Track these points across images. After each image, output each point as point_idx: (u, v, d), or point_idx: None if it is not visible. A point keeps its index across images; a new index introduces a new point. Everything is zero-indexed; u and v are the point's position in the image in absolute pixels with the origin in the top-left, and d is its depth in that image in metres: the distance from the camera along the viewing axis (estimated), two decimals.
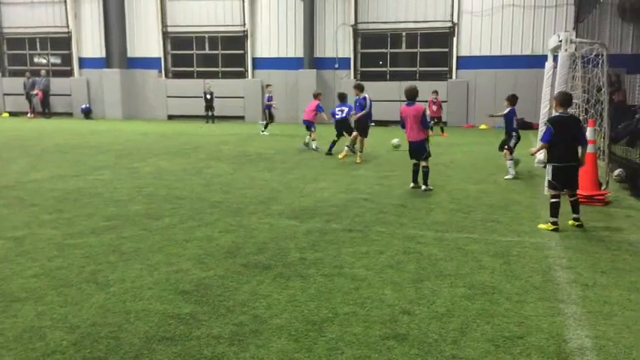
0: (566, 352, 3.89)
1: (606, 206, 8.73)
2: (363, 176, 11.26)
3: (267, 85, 21.67)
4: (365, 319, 4.39)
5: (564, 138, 7.15)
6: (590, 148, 9.09)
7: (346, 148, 14.00)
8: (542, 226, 7.31)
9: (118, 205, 8.44)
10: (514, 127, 11.18)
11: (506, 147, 11.26)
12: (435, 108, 20.68)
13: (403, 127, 10.06)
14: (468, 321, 4.38)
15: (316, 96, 16.64)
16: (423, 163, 9.86)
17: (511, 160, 11.13)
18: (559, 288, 5.15)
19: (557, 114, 7.36)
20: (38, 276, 5.29)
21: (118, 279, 5.23)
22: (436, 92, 21.39)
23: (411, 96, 9.91)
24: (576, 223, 7.35)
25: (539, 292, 5.03)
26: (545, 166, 10.30)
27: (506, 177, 11.17)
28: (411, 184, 10.08)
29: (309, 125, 15.96)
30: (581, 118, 10.61)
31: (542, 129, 7.19)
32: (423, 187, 9.83)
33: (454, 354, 3.83)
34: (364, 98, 13.83)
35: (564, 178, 7.27)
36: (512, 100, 11.34)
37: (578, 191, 9.01)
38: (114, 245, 6.31)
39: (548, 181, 7.46)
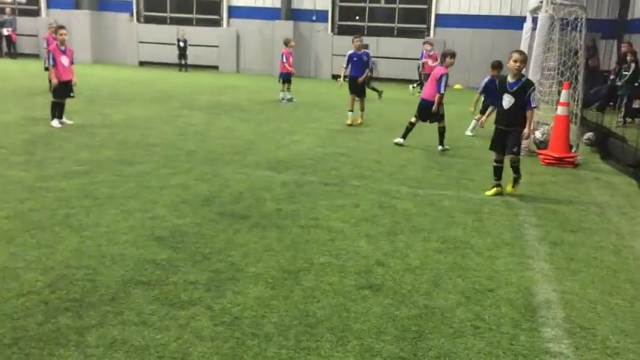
0: (533, 305, 4.03)
1: (576, 168, 8.93)
2: (339, 131, 11.24)
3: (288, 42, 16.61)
4: (340, 269, 4.47)
5: None
6: (563, 111, 9.25)
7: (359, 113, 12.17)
8: (510, 189, 6.97)
9: (89, 150, 8.30)
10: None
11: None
12: (430, 62, 17.56)
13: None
14: (440, 274, 4.49)
15: (287, 43, 16.04)
16: (440, 124, 9.72)
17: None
18: (528, 245, 5.29)
19: (527, 78, 6.93)
20: (9, 218, 5.21)
21: (92, 223, 5.19)
22: (430, 44, 18.85)
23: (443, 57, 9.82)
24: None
25: (509, 248, 5.17)
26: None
27: (467, 133, 11.47)
28: (399, 140, 9.90)
29: (287, 78, 15.68)
30: (556, 80, 10.74)
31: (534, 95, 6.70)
32: (440, 147, 9.73)
33: (427, 304, 3.93)
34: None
35: None
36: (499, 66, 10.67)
37: (549, 152, 9.20)
38: (87, 190, 6.23)
39: (520, 146, 7.14)
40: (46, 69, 11.73)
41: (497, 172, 6.99)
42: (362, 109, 12.18)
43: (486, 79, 10.98)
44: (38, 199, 5.79)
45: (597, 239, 5.54)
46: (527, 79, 6.83)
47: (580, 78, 10.00)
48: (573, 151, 9.37)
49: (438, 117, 9.72)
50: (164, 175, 7.09)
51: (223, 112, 13.23)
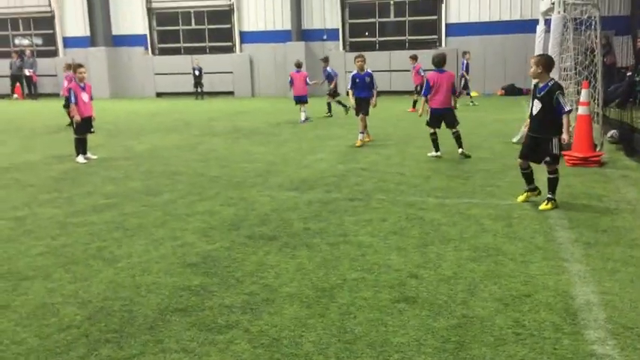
0: (574, 307, 3.96)
1: (602, 167, 8.81)
2: (359, 147, 11.25)
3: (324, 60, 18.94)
4: (374, 284, 4.45)
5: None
6: (584, 111, 9.16)
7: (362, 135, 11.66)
8: (545, 206, 6.51)
9: (115, 182, 8.41)
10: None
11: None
12: (414, 74, 19.08)
13: (426, 94, 10.01)
14: (475, 282, 4.44)
15: (300, 65, 16.61)
16: (453, 130, 9.83)
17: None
18: (562, 247, 5.22)
19: (554, 81, 6.55)
20: (44, 254, 5.29)
21: (124, 254, 5.24)
22: (412, 57, 19.52)
23: (442, 62, 9.93)
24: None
25: (542, 252, 5.10)
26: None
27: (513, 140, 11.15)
28: (435, 153, 9.91)
29: (302, 99, 15.89)
30: (574, 81, 10.66)
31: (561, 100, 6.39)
32: (460, 150, 9.78)
33: (465, 314, 3.89)
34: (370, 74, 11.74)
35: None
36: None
37: (574, 153, 9.10)
38: (116, 222, 6.31)
39: (557, 156, 6.61)
40: (65, 107, 12.02)
41: (526, 178, 6.79)
42: (366, 127, 11.64)
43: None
44: (70, 235, 5.87)
45: (632, 237, 5.44)
46: (555, 83, 6.44)
47: (598, 76, 9.91)
48: (598, 149, 9.26)
49: (455, 120, 9.84)
50: (190, 202, 7.16)
51: (242, 136, 13.34)
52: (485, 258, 4.97)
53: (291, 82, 16.19)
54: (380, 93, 24.17)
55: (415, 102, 18.43)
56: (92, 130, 10.39)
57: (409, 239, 5.52)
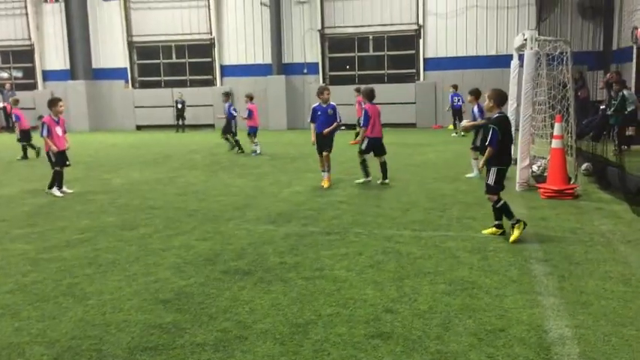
0: (547, 342, 3.96)
1: (576, 200, 8.92)
2: (338, 180, 11.27)
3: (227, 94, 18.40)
4: (349, 319, 4.41)
5: (506, 139, 6.65)
6: (558, 144, 9.31)
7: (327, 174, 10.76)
8: (515, 236, 6.52)
9: (91, 217, 8.31)
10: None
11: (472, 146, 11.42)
12: (357, 106, 18.32)
13: (366, 124, 10.44)
14: (450, 316, 4.43)
15: (252, 98, 16.82)
16: (382, 159, 10.61)
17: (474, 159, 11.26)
18: (536, 280, 5.24)
19: (498, 114, 6.63)
20: (13, 292, 5.17)
21: (96, 291, 5.15)
22: (358, 90, 18.69)
23: (374, 95, 10.78)
24: (499, 231, 6.81)
25: (517, 285, 5.11)
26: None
27: (468, 175, 11.28)
28: (366, 179, 10.69)
29: (256, 131, 16.37)
30: (548, 114, 10.86)
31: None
32: (387, 180, 10.57)
33: (439, 349, 3.86)
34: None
35: (503, 180, 6.75)
36: (477, 94, 11.11)
37: (548, 185, 9.21)
38: (89, 257, 6.21)
39: (489, 185, 6.68)
40: (19, 140, 11.82)
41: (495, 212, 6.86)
42: (329, 169, 10.69)
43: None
44: (41, 271, 5.76)
45: (605, 269, 5.49)
46: (497, 117, 6.59)
47: (571, 110, 10.11)
48: (572, 182, 9.39)
49: (384, 151, 10.63)
50: (166, 236, 7.08)
51: (221, 169, 13.32)
52: (461, 292, 4.97)
53: (250, 114, 16.33)
54: (354, 126, 24.38)
55: (357, 134, 18.58)
56: (68, 162, 10.28)
57: (385, 273, 5.50)
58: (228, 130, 16.89)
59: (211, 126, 26.75)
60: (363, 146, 10.60)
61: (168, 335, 4.17)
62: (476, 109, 11.27)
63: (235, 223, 7.72)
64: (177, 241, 6.82)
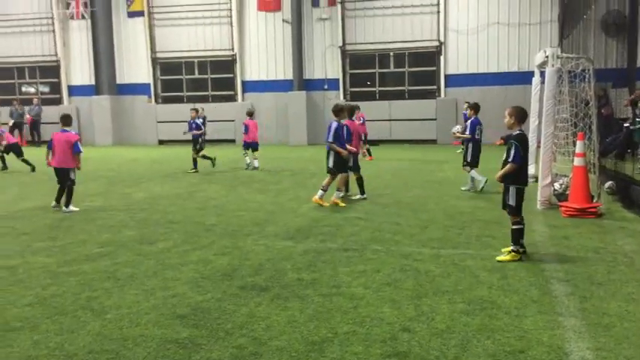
0: None
1: (599, 218, 8.78)
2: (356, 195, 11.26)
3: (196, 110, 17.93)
4: (365, 337, 4.37)
5: (526, 157, 6.59)
6: (580, 162, 9.19)
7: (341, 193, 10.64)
8: (504, 258, 6.46)
9: (111, 231, 8.39)
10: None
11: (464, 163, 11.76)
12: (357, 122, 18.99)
13: (349, 141, 10.56)
14: (468, 336, 4.36)
15: (252, 114, 17.23)
16: (357, 175, 10.90)
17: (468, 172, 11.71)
18: (557, 301, 5.15)
19: (519, 132, 6.58)
20: (33, 305, 5.22)
21: (114, 305, 5.18)
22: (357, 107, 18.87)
23: (354, 112, 11.60)
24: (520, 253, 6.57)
25: (537, 305, 5.03)
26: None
27: (463, 188, 11.65)
28: (351, 195, 10.93)
29: (256, 146, 16.52)
30: (570, 132, 10.75)
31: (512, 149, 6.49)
32: (359, 196, 10.77)
33: None
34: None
35: (523, 200, 6.60)
36: (477, 108, 11.85)
37: (571, 204, 9.08)
38: (109, 271, 6.26)
39: (512, 206, 6.54)
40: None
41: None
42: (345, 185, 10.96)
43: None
44: (61, 284, 5.82)
45: (628, 291, 5.37)
46: (518, 134, 6.53)
47: (594, 128, 9.99)
48: (595, 201, 9.25)
49: (355, 167, 10.88)
50: (184, 251, 7.12)
51: (240, 184, 13.37)
52: (480, 311, 4.90)
53: (246, 129, 16.70)
54: (379, 142, 24.38)
55: (369, 150, 18.83)
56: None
57: (403, 291, 5.45)
58: (197, 146, 16.35)
59: (232, 141, 26.94)
60: (351, 163, 10.82)
61: (184, 351, 4.17)
62: (468, 123, 11.85)
63: (253, 239, 7.73)
64: (195, 256, 6.85)
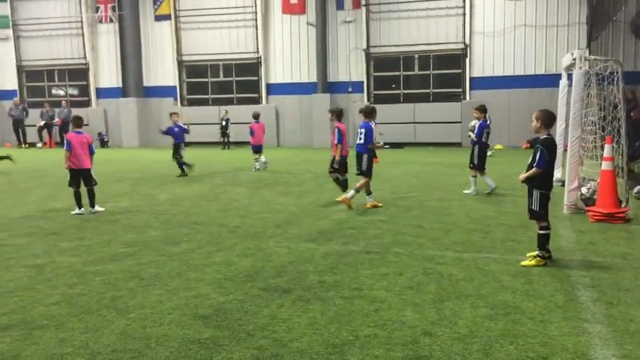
0: None
1: (627, 224, 8.61)
2: (379, 198, 11.21)
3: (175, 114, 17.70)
4: (386, 341, 4.35)
5: (552, 162, 6.50)
6: (608, 166, 9.03)
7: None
8: (529, 263, 6.39)
9: (136, 231, 8.49)
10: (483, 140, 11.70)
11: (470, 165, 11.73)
12: None
13: (341, 142, 10.77)
14: (491, 341, 4.32)
15: (258, 117, 17.64)
16: (343, 177, 11.02)
17: (473, 176, 11.67)
18: (583, 307, 5.07)
19: (546, 136, 6.47)
20: (59, 303, 5.32)
21: (137, 305, 5.24)
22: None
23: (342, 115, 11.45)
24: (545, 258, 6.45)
25: (562, 311, 4.95)
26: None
27: (465, 191, 11.64)
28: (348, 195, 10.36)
29: (260, 148, 16.88)
30: (598, 135, 10.57)
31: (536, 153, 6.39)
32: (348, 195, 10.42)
33: None
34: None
35: (547, 206, 6.52)
36: (484, 110, 11.80)
37: (598, 208, 8.93)
38: (133, 271, 6.34)
39: (534, 211, 6.47)
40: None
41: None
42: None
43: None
44: (86, 284, 5.91)
45: None
46: (545, 138, 6.40)
47: (622, 131, 9.80)
48: (623, 205, 9.08)
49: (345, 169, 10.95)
50: (208, 252, 7.17)
51: (264, 186, 13.43)
52: (503, 316, 4.84)
53: (252, 132, 17.17)
54: (404, 144, 24.24)
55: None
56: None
57: (425, 295, 5.42)
58: (179, 151, 16.04)
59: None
60: (336, 164, 10.94)
61: (205, 351, 4.20)
62: (477, 124, 11.80)
63: (276, 241, 7.76)
64: (218, 257, 6.90)
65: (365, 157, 10.19)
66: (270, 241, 7.77)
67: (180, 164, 15.84)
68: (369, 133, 10.16)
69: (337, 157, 10.82)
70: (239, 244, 7.61)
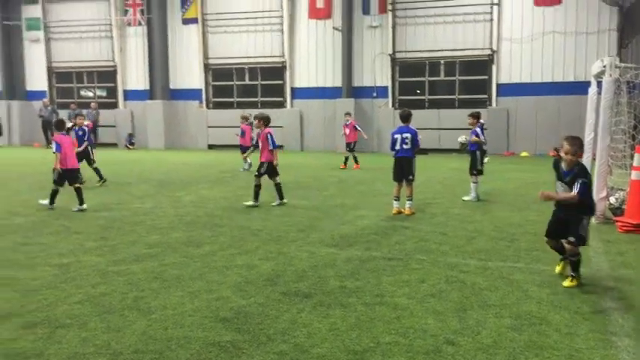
0: None
1: None
2: (403, 203, 11.11)
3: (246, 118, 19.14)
4: (408, 349, 4.30)
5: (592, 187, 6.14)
6: (637, 175, 8.83)
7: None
8: (570, 284, 5.94)
9: (160, 232, 8.56)
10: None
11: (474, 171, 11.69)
12: (347, 131, 19.00)
13: (275, 146, 11.43)
14: (515, 353, 4.23)
15: (247, 119, 18.66)
16: (276, 181, 11.31)
17: (474, 182, 11.64)
18: (610, 319, 4.95)
19: (580, 165, 5.98)
20: (82, 302, 5.37)
21: (159, 306, 5.27)
22: (348, 114, 19.92)
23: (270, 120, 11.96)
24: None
25: (589, 323, 4.84)
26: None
27: (465, 198, 11.60)
28: (256, 203, 10.94)
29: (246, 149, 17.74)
30: (628, 144, 10.36)
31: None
32: (284, 200, 11.23)
33: None
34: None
35: None
36: (478, 116, 11.92)
37: (627, 219, 8.74)
38: (156, 272, 6.37)
39: (583, 237, 5.99)
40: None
41: (558, 251, 6.34)
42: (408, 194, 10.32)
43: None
44: (110, 283, 5.96)
45: None
46: (579, 169, 5.91)
47: None
48: None
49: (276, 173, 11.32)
50: (230, 255, 7.19)
51: (287, 189, 13.39)
52: (528, 327, 4.75)
53: (243, 134, 18.53)
54: (428, 151, 24.12)
55: (347, 159, 18.69)
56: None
57: (448, 303, 5.35)
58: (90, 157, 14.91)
59: (280, 147, 27.09)
60: (263, 170, 11.24)
61: (225, 354, 4.19)
62: (478, 130, 11.87)
63: (298, 245, 7.74)
64: (240, 260, 6.91)
65: (414, 162, 10.36)
66: (291, 245, 7.76)
67: (96, 169, 14.75)
68: (415, 138, 10.29)
69: (275, 162, 11.32)
70: (261, 247, 7.61)
